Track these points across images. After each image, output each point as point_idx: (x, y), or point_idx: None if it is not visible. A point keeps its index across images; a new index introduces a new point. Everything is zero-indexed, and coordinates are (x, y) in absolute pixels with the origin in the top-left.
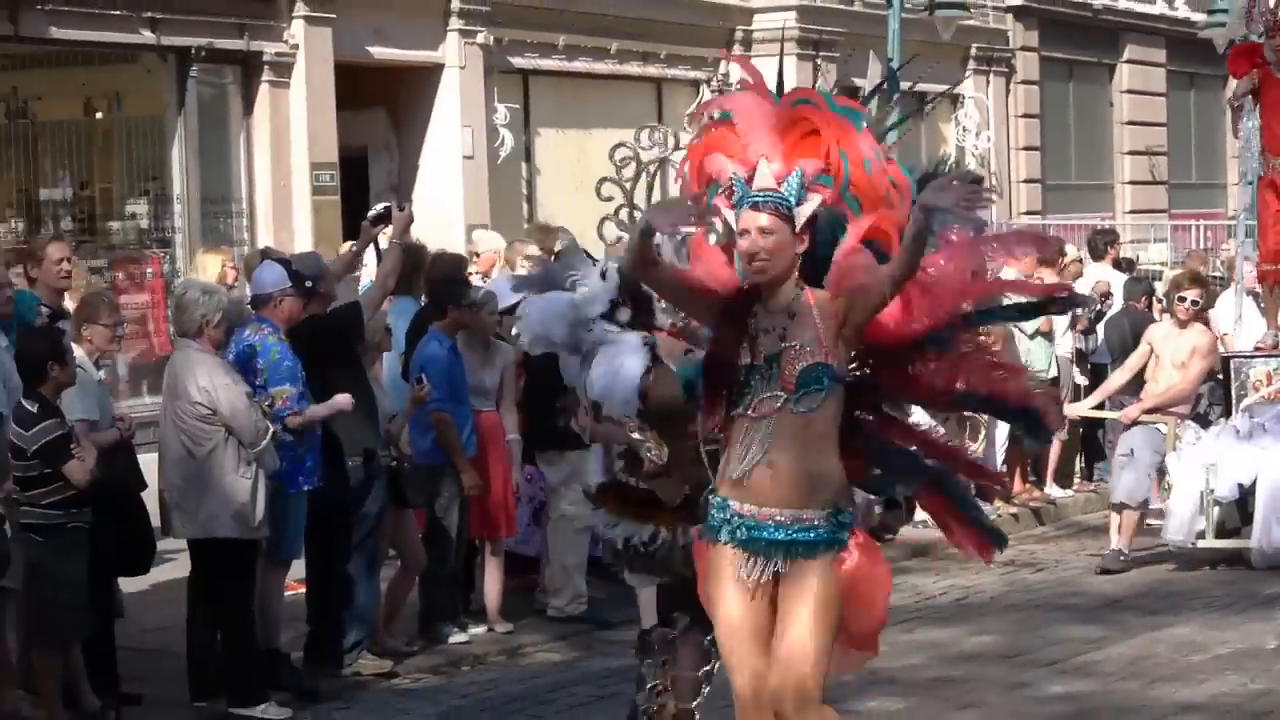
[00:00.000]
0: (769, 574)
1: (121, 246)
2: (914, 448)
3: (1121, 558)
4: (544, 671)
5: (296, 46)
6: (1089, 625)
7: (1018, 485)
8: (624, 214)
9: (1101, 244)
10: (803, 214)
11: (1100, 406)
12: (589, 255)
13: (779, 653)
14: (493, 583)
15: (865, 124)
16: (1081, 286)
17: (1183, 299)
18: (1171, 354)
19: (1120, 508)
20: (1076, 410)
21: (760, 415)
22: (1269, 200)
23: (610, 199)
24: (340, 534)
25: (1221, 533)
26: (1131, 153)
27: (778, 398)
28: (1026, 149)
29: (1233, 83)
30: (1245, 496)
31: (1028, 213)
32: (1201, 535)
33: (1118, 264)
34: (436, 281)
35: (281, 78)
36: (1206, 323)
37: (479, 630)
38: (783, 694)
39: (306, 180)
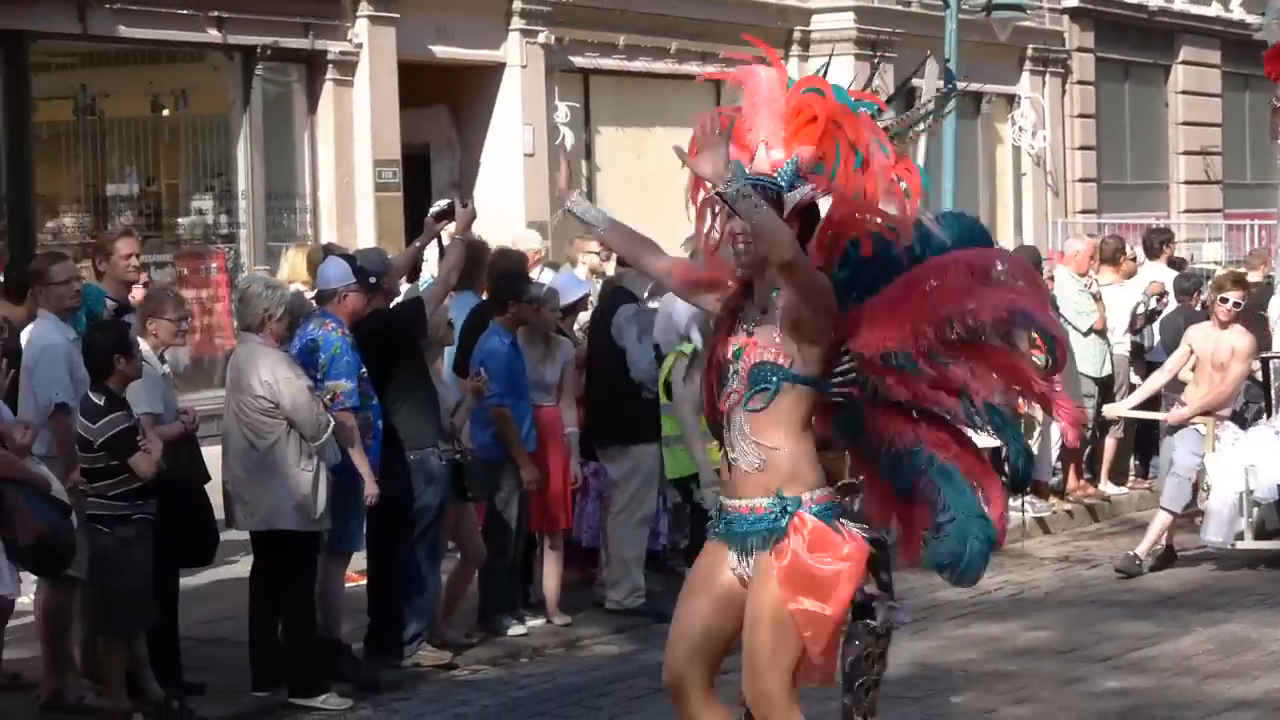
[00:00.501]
0: (747, 564)
1: (187, 241)
2: (920, 447)
3: (1138, 562)
4: (601, 664)
5: (360, 45)
6: (1143, 621)
7: (1072, 482)
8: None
9: (1156, 243)
10: (791, 200)
11: (1150, 406)
12: None
13: (744, 659)
14: (551, 576)
15: (876, 118)
16: (1137, 285)
17: (1224, 300)
18: (1211, 355)
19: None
20: (1117, 411)
21: (726, 410)
22: None
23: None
24: (402, 527)
25: (1261, 534)
26: (1186, 153)
27: (736, 393)
28: (1082, 149)
29: None
30: None
31: (1083, 211)
32: (1240, 536)
33: (1172, 263)
34: (498, 277)
35: (345, 76)
36: (1248, 324)
37: (537, 623)
38: (752, 702)
39: (369, 177)
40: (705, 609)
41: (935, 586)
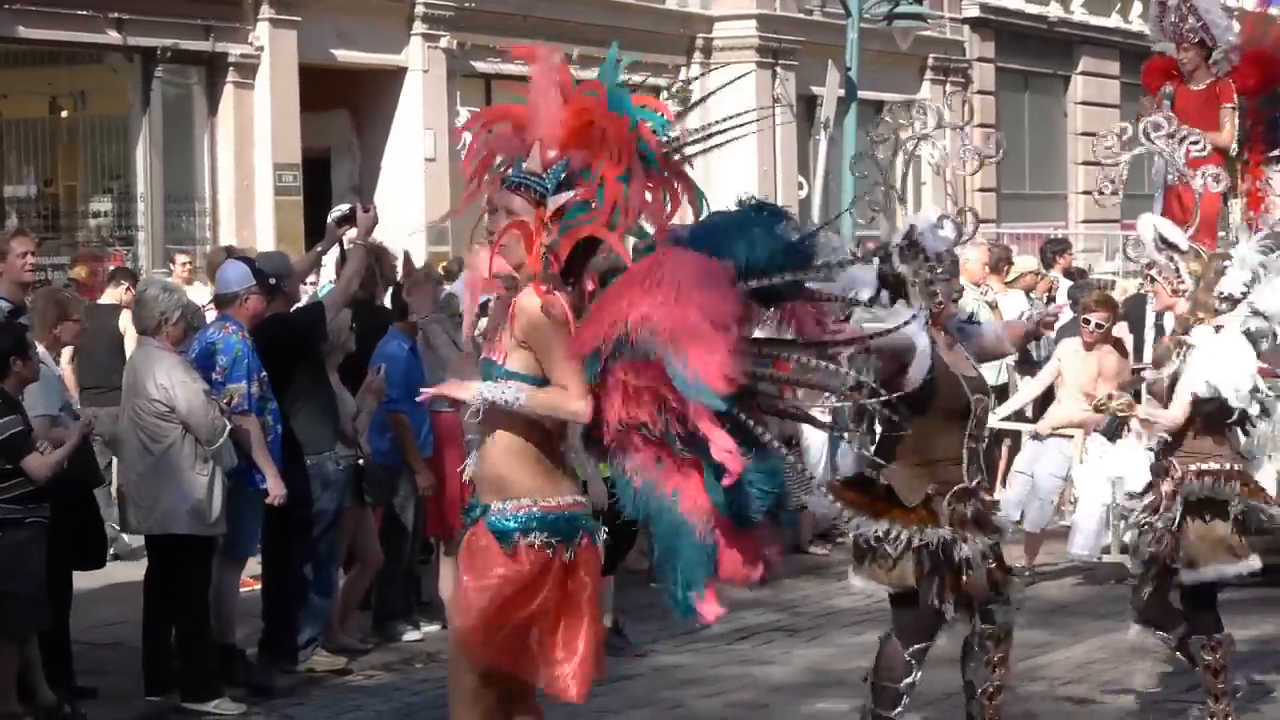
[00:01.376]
0: None
1: (85, 244)
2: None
3: (1027, 573)
4: None
5: (261, 48)
6: (1036, 629)
7: None
8: (879, 194)
9: (1050, 253)
10: (554, 204)
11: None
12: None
13: None
14: (447, 580)
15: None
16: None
17: (1087, 321)
18: (1077, 375)
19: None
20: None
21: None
22: (1174, 211)
23: (863, 176)
24: (297, 531)
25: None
26: (1085, 163)
27: None
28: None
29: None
30: None
31: (983, 221)
32: (1107, 550)
33: (1068, 273)
34: (397, 283)
35: (246, 79)
36: (1118, 344)
37: (433, 628)
38: None
39: (269, 180)
40: None
41: (830, 594)
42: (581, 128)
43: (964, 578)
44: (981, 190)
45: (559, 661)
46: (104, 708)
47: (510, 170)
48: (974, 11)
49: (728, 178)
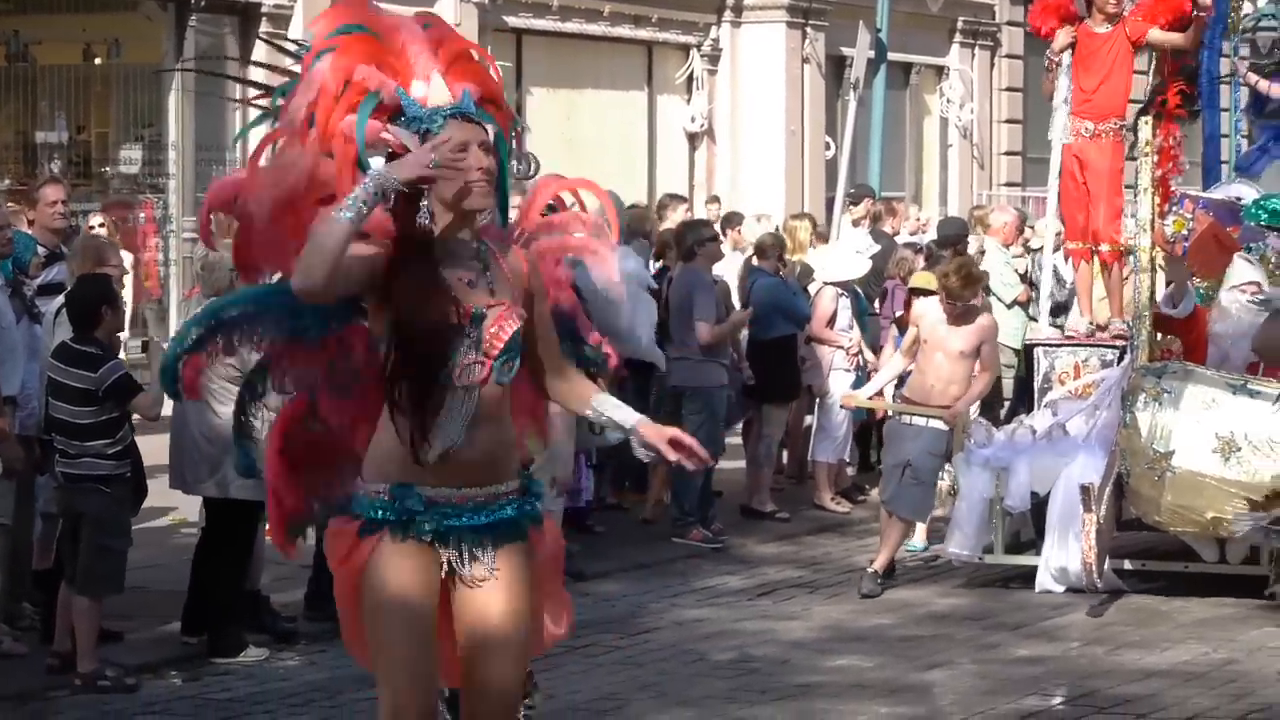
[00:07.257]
0: (471, 564)
1: (116, 191)
2: None
3: (880, 581)
4: None
5: None
6: (1054, 592)
7: None
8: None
9: None
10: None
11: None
12: None
13: (478, 671)
14: None
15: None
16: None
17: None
18: (943, 340)
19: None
20: (855, 400)
21: (465, 384)
22: (1073, 172)
23: None
24: None
25: (1013, 547)
26: None
27: (483, 364)
28: (1009, 122)
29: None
30: (1040, 506)
31: (1008, 184)
32: (990, 549)
33: None
34: None
35: (279, 28)
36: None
37: None
38: (500, 702)
39: None
40: (425, 609)
41: (850, 552)
42: (454, 60)
43: None
44: (1007, 154)
45: None
46: (131, 651)
47: (405, 108)
48: None
49: (756, 138)
